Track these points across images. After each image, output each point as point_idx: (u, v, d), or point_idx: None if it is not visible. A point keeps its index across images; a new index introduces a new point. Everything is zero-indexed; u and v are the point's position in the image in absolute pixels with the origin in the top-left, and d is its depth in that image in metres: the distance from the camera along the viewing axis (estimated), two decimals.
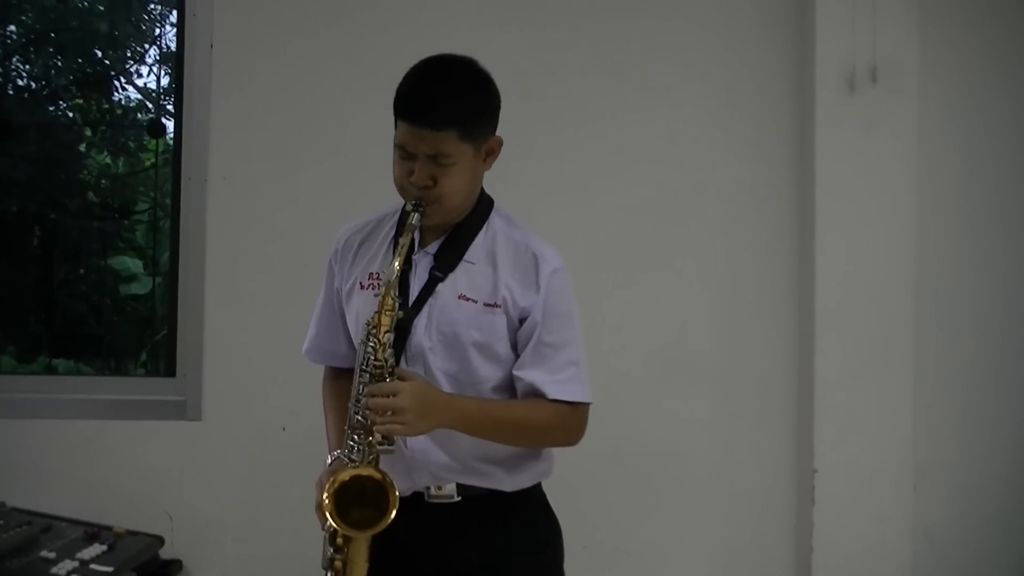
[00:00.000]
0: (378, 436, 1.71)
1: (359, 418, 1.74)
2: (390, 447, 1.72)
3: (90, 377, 3.52)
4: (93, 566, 2.52)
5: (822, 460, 3.13)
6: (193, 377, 3.07)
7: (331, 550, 1.77)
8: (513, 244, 1.88)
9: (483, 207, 1.92)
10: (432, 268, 1.85)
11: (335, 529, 1.73)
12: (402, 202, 1.86)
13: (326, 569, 1.78)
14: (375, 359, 1.73)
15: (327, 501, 1.69)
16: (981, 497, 3.28)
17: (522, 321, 1.84)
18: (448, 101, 1.74)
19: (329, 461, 1.87)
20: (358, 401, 1.74)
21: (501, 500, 1.88)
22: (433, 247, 1.87)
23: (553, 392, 1.82)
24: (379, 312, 1.74)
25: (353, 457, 1.74)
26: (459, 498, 1.85)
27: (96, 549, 2.62)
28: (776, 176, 3.24)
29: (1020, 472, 3.32)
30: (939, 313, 3.24)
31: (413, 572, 1.87)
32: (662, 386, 3.21)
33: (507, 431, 1.83)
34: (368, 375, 1.73)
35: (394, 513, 1.68)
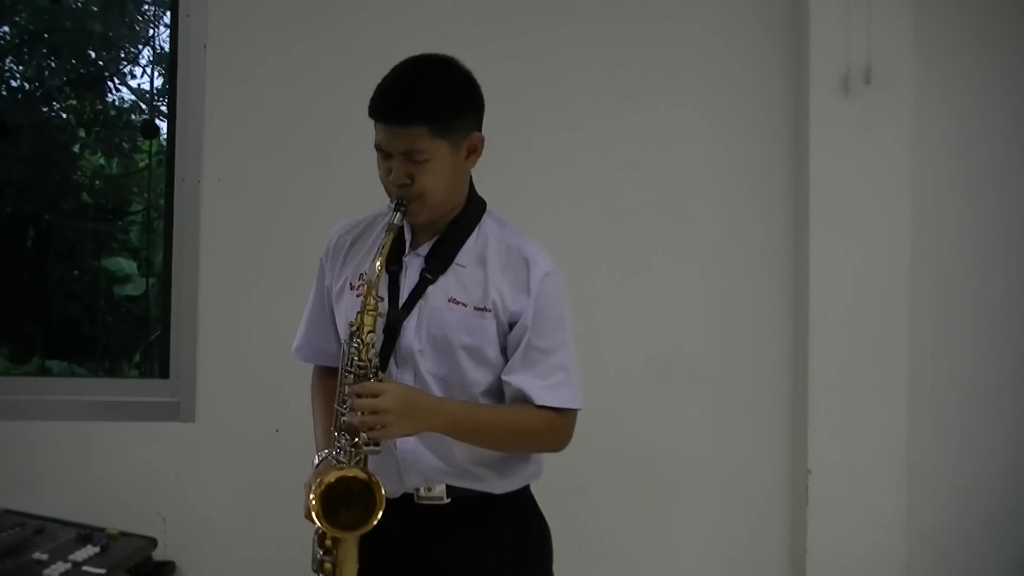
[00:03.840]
0: (364, 436, 1.71)
1: (345, 419, 1.74)
2: (376, 448, 1.72)
3: (84, 378, 3.52)
4: (86, 568, 2.51)
5: (816, 461, 3.13)
6: (187, 378, 3.06)
7: (320, 552, 1.77)
8: (505, 247, 1.87)
9: (475, 210, 1.91)
10: (423, 270, 1.85)
11: (324, 531, 1.73)
12: None
13: (316, 571, 1.78)
14: (359, 360, 1.72)
15: (314, 503, 1.69)
16: (975, 498, 3.29)
17: (512, 325, 1.84)
18: (416, 98, 1.75)
19: (316, 462, 1.87)
20: (343, 402, 1.74)
21: (490, 502, 1.88)
22: (424, 249, 1.87)
23: (541, 398, 1.81)
24: (361, 313, 1.74)
25: (340, 458, 1.74)
26: (449, 500, 1.85)
27: (89, 551, 2.61)
28: (771, 178, 3.25)
29: (1015, 473, 3.32)
30: (934, 315, 3.25)
31: (402, 574, 1.87)
32: (657, 388, 3.21)
33: (494, 436, 1.83)
34: (352, 376, 1.73)
35: (381, 513, 1.67)
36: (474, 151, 1.85)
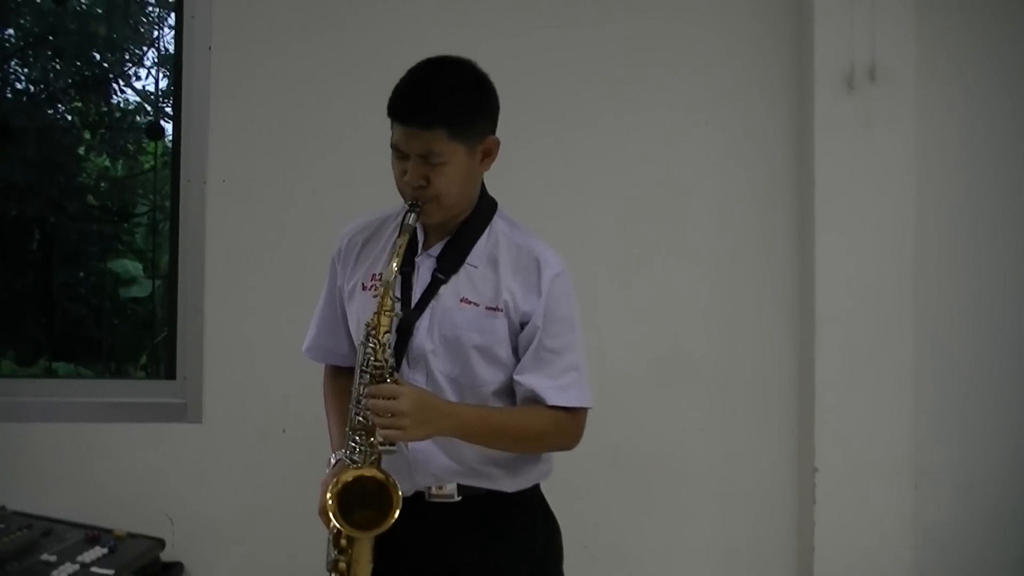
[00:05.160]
0: (379, 437, 1.72)
1: (360, 419, 1.74)
2: (391, 448, 1.73)
3: (90, 380, 3.51)
4: (94, 569, 2.52)
5: (823, 459, 3.13)
6: (193, 379, 3.07)
7: (335, 551, 1.77)
8: (516, 247, 1.89)
9: (486, 210, 1.93)
10: (434, 270, 1.86)
11: (339, 530, 1.74)
12: None
13: (330, 571, 1.79)
14: (375, 360, 1.73)
15: (330, 502, 1.69)
16: (981, 496, 3.28)
17: (523, 325, 1.85)
18: (436, 100, 1.75)
19: (333, 461, 1.88)
20: (358, 402, 1.75)
21: (501, 501, 1.89)
22: (436, 249, 1.88)
23: (553, 398, 1.83)
24: (378, 313, 1.74)
25: (355, 458, 1.75)
26: (459, 498, 1.86)
27: (97, 552, 2.62)
28: (775, 176, 3.25)
29: (1020, 471, 3.32)
30: (939, 312, 3.24)
31: (412, 572, 1.88)
32: (662, 387, 3.21)
33: (505, 439, 1.84)
34: (368, 376, 1.74)
35: (397, 513, 1.68)
36: (488, 154, 1.86)
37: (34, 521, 2.71)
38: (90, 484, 2.96)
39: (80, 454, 2.98)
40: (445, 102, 1.76)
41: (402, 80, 1.81)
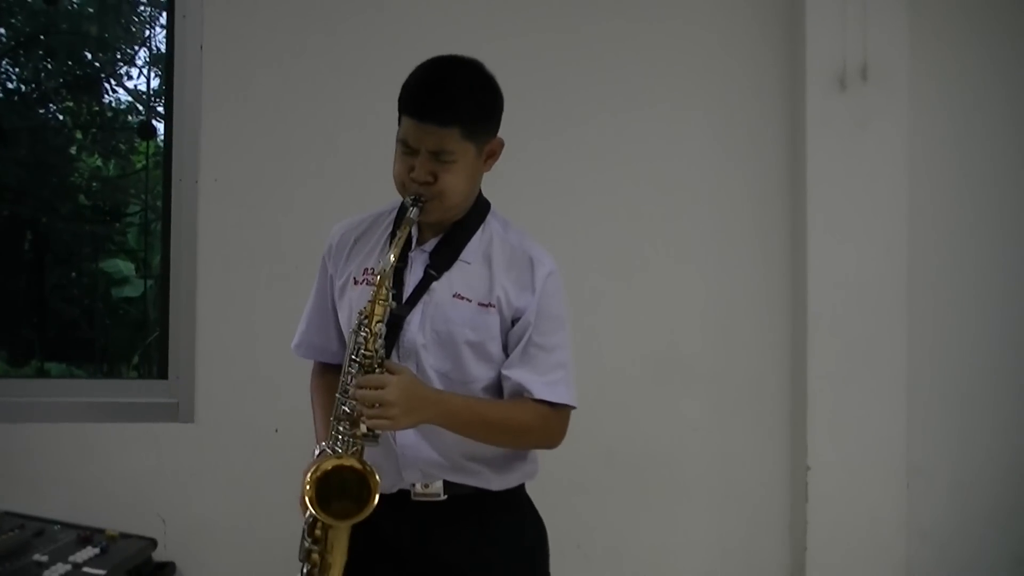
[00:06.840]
0: (363, 428, 1.71)
1: (345, 409, 1.74)
2: (375, 439, 1.73)
3: (82, 380, 3.51)
4: (86, 569, 2.51)
5: (816, 458, 3.13)
6: (185, 379, 3.06)
7: (309, 541, 1.76)
8: (509, 246, 1.90)
9: (481, 209, 1.94)
10: (428, 266, 1.86)
11: (314, 520, 1.73)
12: (398, 201, 1.88)
13: (303, 561, 1.78)
14: (365, 349, 1.73)
15: (308, 488, 1.68)
16: (974, 494, 3.29)
17: (514, 321, 1.86)
18: (454, 98, 1.76)
19: (317, 452, 1.87)
20: (345, 392, 1.75)
21: (487, 500, 1.89)
22: (429, 245, 1.88)
23: (541, 392, 1.83)
24: (372, 301, 1.74)
25: (337, 448, 1.74)
26: (445, 497, 1.86)
27: (89, 552, 2.61)
28: (768, 175, 3.25)
29: (1013, 470, 3.32)
30: (932, 311, 3.25)
31: (397, 572, 1.87)
32: (656, 386, 3.21)
33: (491, 430, 1.84)
34: (357, 365, 1.73)
35: (376, 500, 1.67)
36: (492, 155, 1.88)
37: (26, 521, 2.71)
38: (82, 484, 2.95)
39: (72, 454, 2.98)
40: (463, 101, 1.77)
41: (416, 76, 1.81)
